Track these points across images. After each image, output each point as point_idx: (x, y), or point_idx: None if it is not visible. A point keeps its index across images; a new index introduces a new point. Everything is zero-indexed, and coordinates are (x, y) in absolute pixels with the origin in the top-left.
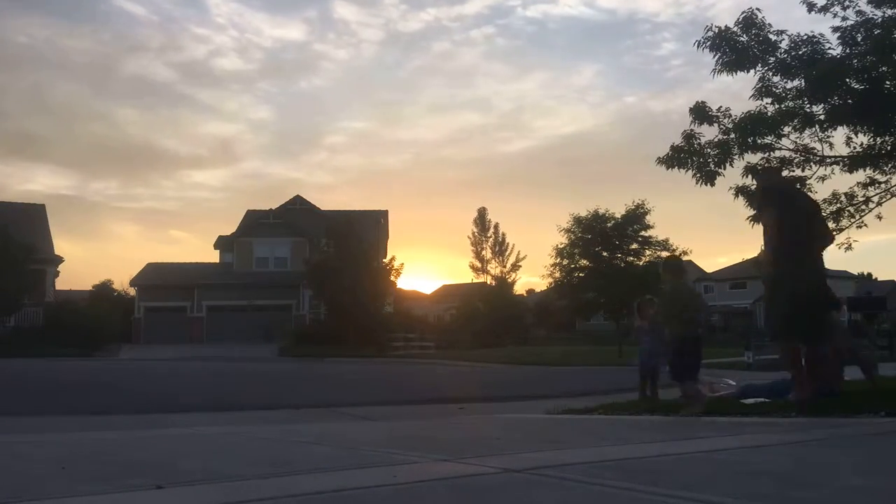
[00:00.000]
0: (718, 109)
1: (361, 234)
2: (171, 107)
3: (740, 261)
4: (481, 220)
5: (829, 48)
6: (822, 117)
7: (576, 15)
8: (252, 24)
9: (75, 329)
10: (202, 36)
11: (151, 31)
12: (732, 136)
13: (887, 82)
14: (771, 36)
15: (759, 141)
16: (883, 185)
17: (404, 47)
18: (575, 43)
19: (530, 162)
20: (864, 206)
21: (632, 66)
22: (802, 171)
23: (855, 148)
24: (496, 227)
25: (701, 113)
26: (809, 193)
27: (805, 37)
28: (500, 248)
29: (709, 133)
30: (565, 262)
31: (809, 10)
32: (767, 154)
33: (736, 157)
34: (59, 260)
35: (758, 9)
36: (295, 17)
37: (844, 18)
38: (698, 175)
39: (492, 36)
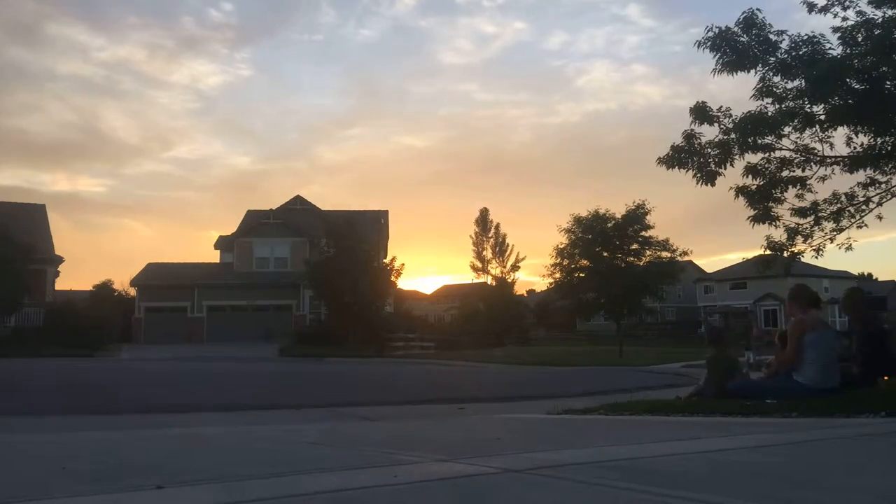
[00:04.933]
0: (719, 109)
1: (361, 234)
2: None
3: (741, 261)
4: (483, 220)
5: (830, 48)
6: (822, 117)
7: None
8: None
9: (75, 329)
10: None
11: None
12: (733, 136)
13: (887, 82)
14: (771, 36)
15: (759, 141)
16: (883, 186)
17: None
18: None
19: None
20: (864, 207)
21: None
22: (803, 171)
23: (855, 148)
24: (497, 227)
25: (701, 113)
26: (809, 193)
27: (805, 37)
28: (501, 249)
29: (709, 133)
30: (565, 262)
31: (810, 11)
32: (768, 154)
33: (736, 157)
34: (59, 260)
35: (758, 9)
36: None
37: (845, 19)
38: (699, 175)
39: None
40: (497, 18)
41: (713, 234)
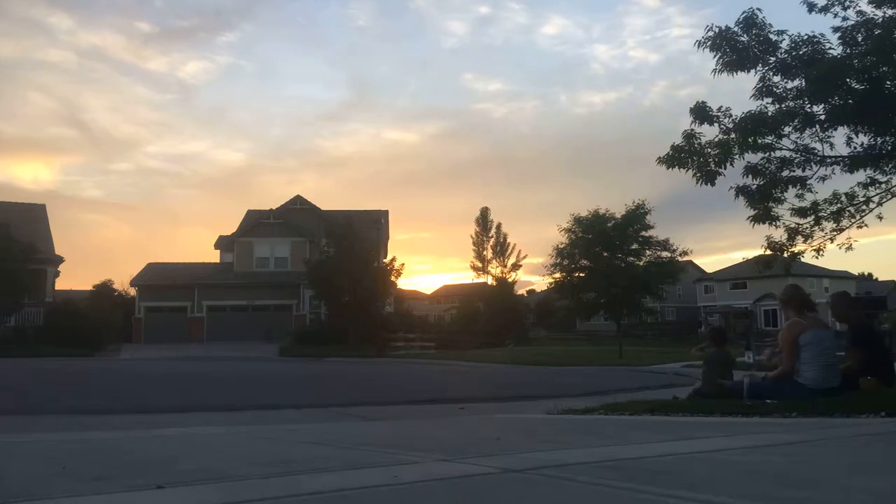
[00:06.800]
0: (719, 109)
1: (361, 234)
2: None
3: (741, 261)
4: (483, 219)
5: (830, 48)
6: (822, 117)
7: None
8: None
9: (76, 329)
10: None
11: None
12: (733, 135)
13: (887, 82)
14: (771, 36)
15: (759, 141)
16: (883, 185)
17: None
18: None
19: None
20: (864, 206)
21: None
22: (803, 171)
23: (855, 148)
24: (498, 227)
25: (701, 113)
26: (809, 193)
27: (805, 37)
28: (502, 248)
29: (710, 133)
30: (565, 262)
31: (810, 11)
32: (768, 154)
33: (736, 156)
34: (59, 260)
35: (758, 9)
36: None
37: (845, 18)
38: (699, 175)
39: None
40: None
41: (718, 233)
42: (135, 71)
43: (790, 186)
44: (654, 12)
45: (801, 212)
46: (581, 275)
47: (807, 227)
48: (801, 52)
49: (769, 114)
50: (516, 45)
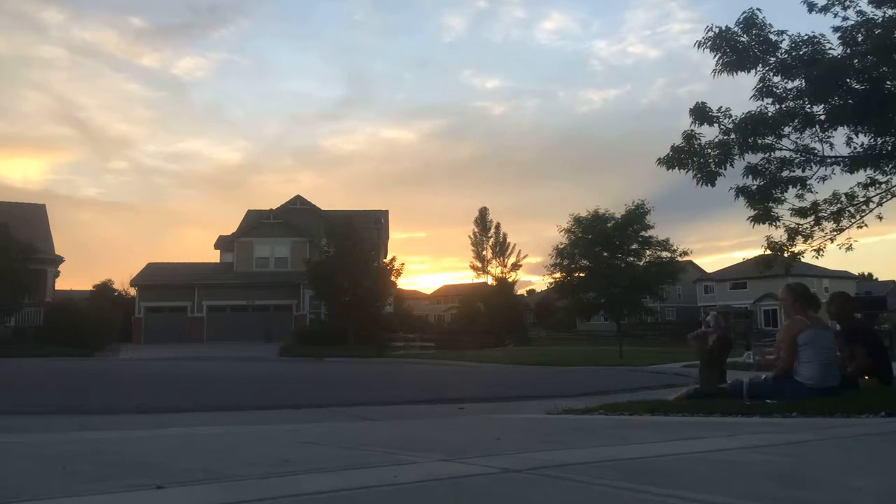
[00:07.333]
0: (719, 110)
1: (361, 233)
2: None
3: (741, 260)
4: (482, 219)
5: (830, 48)
6: (822, 117)
7: None
8: None
9: (75, 329)
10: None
11: None
12: (733, 136)
13: (888, 82)
14: (771, 36)
15: (759, 141)
16: (883, 186)
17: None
18: None
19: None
20: (864, 207)
21: None
22: (803, 171)
23: (855, 148)
24: (497, 226)
25: (701, 113)
26: (809, 193)
27: (805, 37)
28: (502, 248)
29: (709, 133)
30: (565, 262)
31: (810, 11)
32: (768, 154)
33: (736, 157)
34: (59, 260)
35: (758, 9)
36: None
37: (845, 18)
38: (699, 175)
39: None
40: None
41: (718, 233)
42: (128, 67)
43: (790, 187)
44: (655, 6)
45: (801, 212)
46: (581, 275)
47: (807, 228)
48: (801, 53)
49: (769, 114)
50: (515, 41)
